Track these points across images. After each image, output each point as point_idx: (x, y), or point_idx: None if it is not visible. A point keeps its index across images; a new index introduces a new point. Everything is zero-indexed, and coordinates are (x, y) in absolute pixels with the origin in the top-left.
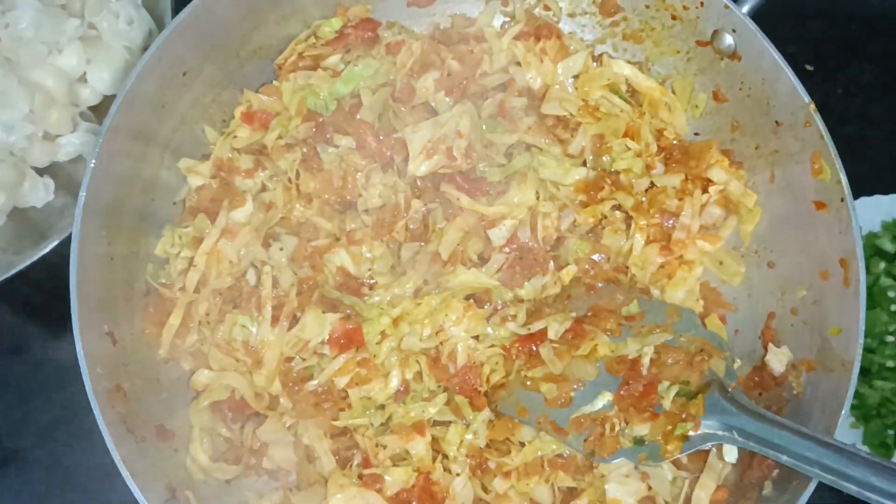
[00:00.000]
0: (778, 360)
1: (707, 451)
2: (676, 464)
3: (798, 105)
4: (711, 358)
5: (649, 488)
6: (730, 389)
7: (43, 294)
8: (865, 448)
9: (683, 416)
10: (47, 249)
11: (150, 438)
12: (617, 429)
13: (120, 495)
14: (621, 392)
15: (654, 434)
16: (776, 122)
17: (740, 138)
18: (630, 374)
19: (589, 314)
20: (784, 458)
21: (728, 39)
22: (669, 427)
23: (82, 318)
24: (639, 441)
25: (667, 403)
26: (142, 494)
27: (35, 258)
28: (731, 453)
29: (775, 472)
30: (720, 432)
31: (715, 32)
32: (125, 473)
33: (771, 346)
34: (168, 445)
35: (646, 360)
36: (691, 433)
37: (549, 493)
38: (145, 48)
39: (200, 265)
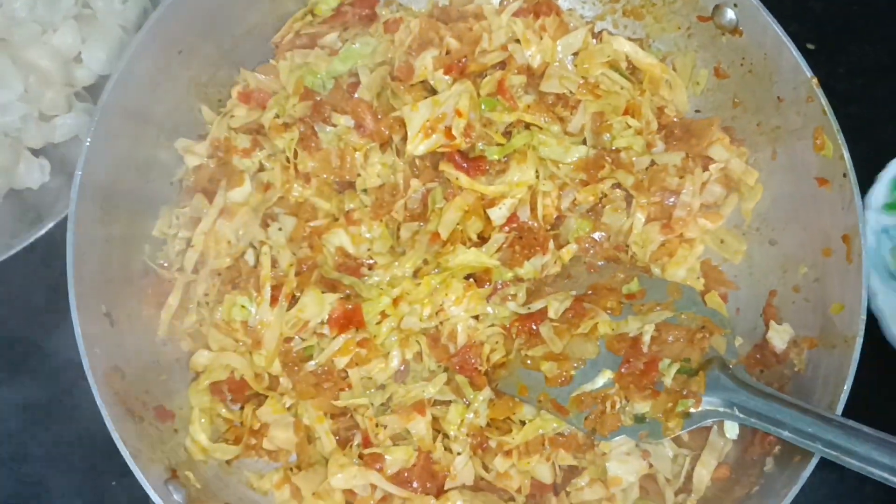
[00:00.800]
0: (780, 337)
1: (708, 429)
2: (677, 441)
3: (800, 80)
4: (712, 335)
5: (650, 466)
6: (731, 366)
7: (39, 276)
8: None
9: (684, 392)
10: (43, 231)
11: (149, 419)
12: (618, 406)
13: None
14: (622, 370)
15: (655, 411)
16: (778, 97)
17: (742, 115)
18: (631, 352)
19: (589, 293)
20: (785, 433)
21: (730, 14)
22: (670, 404)
23: (80, 299)
24: (640, 419)
25: (668, 381)
26: (142, 474)
27: (31, 240)
28: (732, 430)
29: (777, 448)
30: (721, 409)
31: (716, 7)
32: (125, 453)
33: (772, 323)
34: (168, 426)
35: (646, 338)
36: (692, 410)
37: (549, 471)
38: (140, 27)
39: (199, 245)
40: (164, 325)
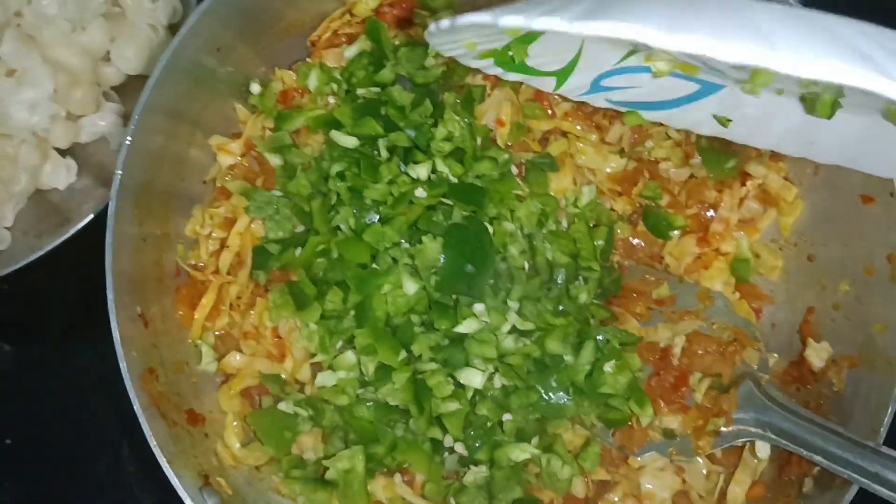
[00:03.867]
0: (817, 355)
1: (742, 447)
2: (711, 458)
3: None
4: (745, 349)
5: (683, 482)
6: (763, 383)
7: (67, 278)
8: None
9: (715, 410)
10: (71, 233)
11: (181, 423)
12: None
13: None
14: (651, 382)
15: (685, 428)
16: None
17: None
18: (660, 364)
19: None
20: (817, 458)
21: None
22: (701, 422)
23: (116, 301)
24: (669, 434)
25: (698, 396)
26: (178, 480)
27: (58, 242)
28: (763, 450)
29: (816, 469)
30: (752, 428)
31: None
32: (161, 459)
33: (810, 340)
34: (199, 430)
35: (677, 350)
36: (723, 429)
37: (582, 485)
38: (170, 27)
39: (234, 246)
40: (198, 327)
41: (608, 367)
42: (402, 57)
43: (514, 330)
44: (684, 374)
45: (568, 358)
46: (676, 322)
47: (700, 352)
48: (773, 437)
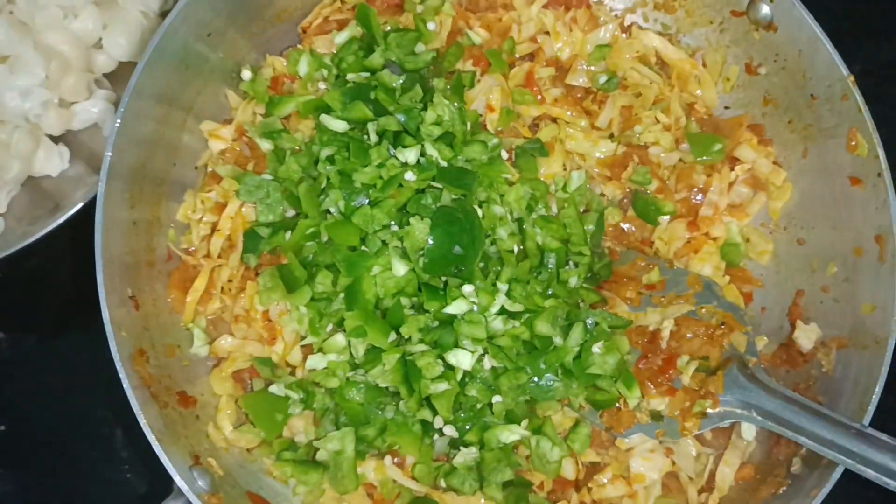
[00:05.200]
0: (806, 336)
1: (731, 428)
2: (700, 440)
3: (835, 77)
4: (732, 332)
5: (673, 464)
6: (751, 366)
7: (60, 265)
8: None
9: (702, 392)
10: (63, 219)
11: (172, 404)
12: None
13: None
14: (640, 365)
15: (672, 410)
16: (811, 95)
17: (772, 112)
18: (649, 346)
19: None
20: (802, 438)
21: (765, 9)
22: (687, 403)
23: (107, 282)
24: (656, 416)
25: (686, 379)
26: (168, 458)
27: (50, 228)
28: (748, 431)
29: (804, 449)
30: (739, 410)
31: (751, 2)
32: (151, 437)
33: (799, 322)
34: (190, 412)
35: (665, 333)
36: (710, 410)
37: (572, 466)
38: (161, 14)
39: (225, 229)
40: (190, 311)
41: (597, 347)
42: (393, 42)
43: (502, 311)
44: (672, 358)
45: (557, 340)
46: (666, 306)
47: (688, 335)
48: (760, 418)
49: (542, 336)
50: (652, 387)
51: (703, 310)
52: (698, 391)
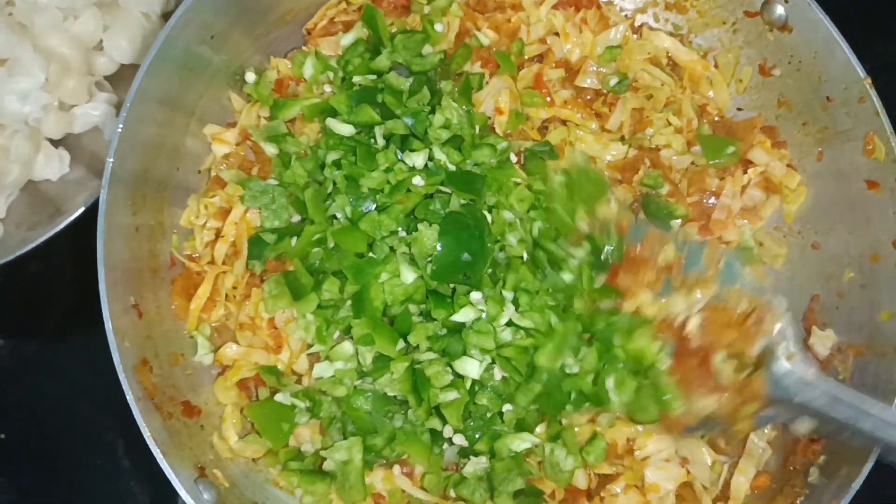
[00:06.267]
0: (822, 343)
1: (746, 436)
2: (715, 448)
3: (852, 80)
4: (763, 321)
5: (688, 473)
6: (789, 358)
7: (61, 271)
8: None
9: (748, 393)
10: (64, 225)
11: (176, 415)
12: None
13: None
14: (676, 363)
15: (721, 412)
16: (827, 97)
17: (786, 115)
18: (681, 346)
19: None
20: (856, 428)
21: (779, 10)
22: (735, 405)
23: (109, 290)
24: (708, 417)
25: (725, 377)
26: (173, 473)
27: (51, 233)
28: (803, 425)
29: (821, 458)
30: (786, 409)
31: (765, 2)
32: (155, 451)
33: (815, 328)
34: (194, 422)
35: (692, 326)
36: (760, 413)
37: (584, 476)
38: (163, 16)
39: (230, 235)
40: (193, 318)
41: (610, 382)
42: (399, 44)
43: (511, 323)
44: (707, 357)
45: (571, 367)
46: (690, 290)
47: (718, 328)
48: (811, 413)
49: (548, 367)
50: (695, 385)
51: (730, 293)
52: (743, 391)
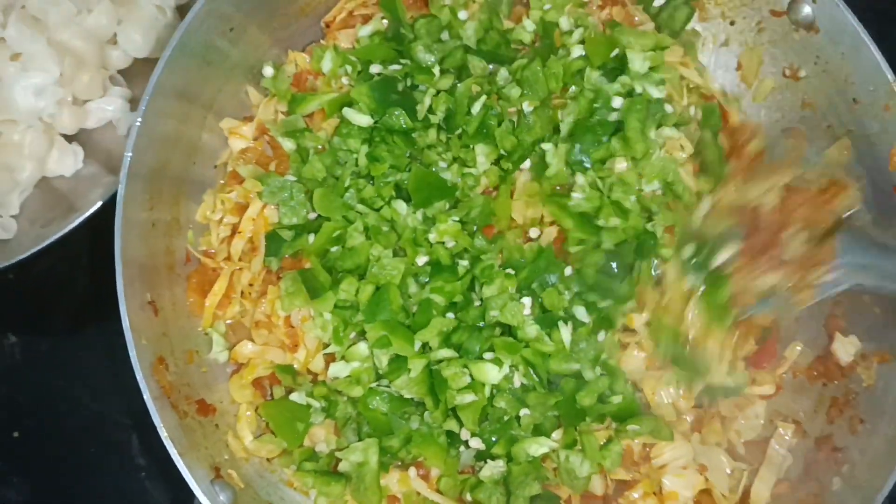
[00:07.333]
0: (844, 349)
1: (767, 443)
2: (734, 455)
3: (880, 82)
4: (842, 193)
5: (706, 480)
6: (863, 224)
7: (75, 268)
8: None
9: (815, 261)
10: (78, 221)
11: (191, 414)
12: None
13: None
14: (744, 247)
15: (782, 285)
16: (853, 100)
17: (811, 117)
18: (752, 226)
19: None
20: None
21: (806, 9)
22: (799, 275)
23: (126, 287)
24: (767, 293)
25: (794, 248)
26: (189, 473)
27: (65, 230)
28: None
29: (845, 467)
30: (855, 275)
31: (792, 1)
32: (172, 451)
33: (837, 334)
34: (209, 421)
35: (767, 206)
36: (824, 279)
37: (601, 482)
38: (177, 9)
39: (247, 231)
40: (209, 315)
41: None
42: (421, 28)
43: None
44: (777, 233)
45: (587, 374)
46: (770, 176)
47: (794, 206)
48: (877, 281)
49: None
50: (760, 266)
51: (807, 175)
52: (810, 259)
